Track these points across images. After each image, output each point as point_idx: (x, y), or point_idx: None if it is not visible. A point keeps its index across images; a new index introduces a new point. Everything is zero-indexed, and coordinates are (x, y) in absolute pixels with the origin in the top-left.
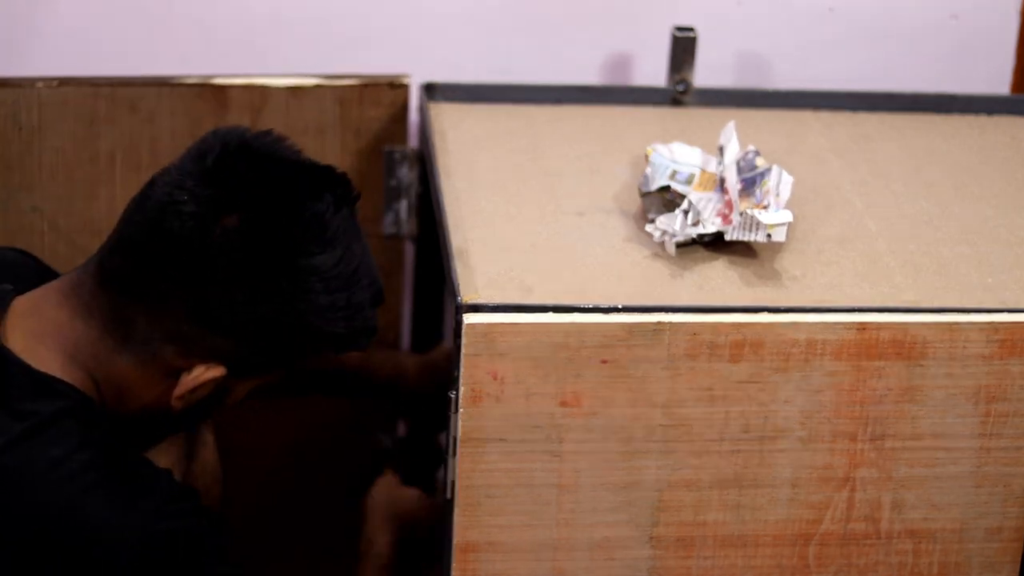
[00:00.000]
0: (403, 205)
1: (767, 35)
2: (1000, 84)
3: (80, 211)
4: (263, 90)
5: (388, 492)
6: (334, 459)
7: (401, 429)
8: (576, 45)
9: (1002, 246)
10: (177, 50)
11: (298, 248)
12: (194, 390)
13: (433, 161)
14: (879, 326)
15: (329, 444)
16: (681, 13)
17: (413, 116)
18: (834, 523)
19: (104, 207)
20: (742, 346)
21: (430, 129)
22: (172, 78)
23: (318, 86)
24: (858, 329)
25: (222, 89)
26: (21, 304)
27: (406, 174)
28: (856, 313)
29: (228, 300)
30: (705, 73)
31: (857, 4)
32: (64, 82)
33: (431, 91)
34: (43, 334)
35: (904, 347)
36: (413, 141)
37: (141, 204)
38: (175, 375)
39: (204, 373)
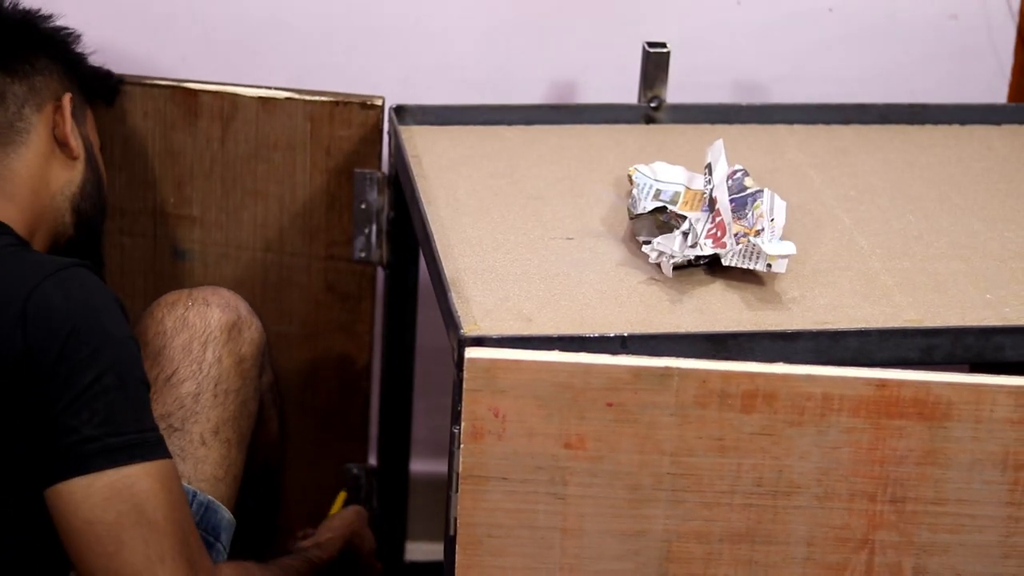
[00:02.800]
0: (373, 229)
1: (767, 35)
2: (999, 84)
3: None
4: (233, 98)
5: (361, 523)
6: (303, 481)
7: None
8: (547, 59)
9: (995, 261)
10: (154, 52)
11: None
12: (71, 127)
13: (412, 186)
14: (900, 384)
15: (300, 472)
16: (681, 13)
17: (385, 139)
18: None
19: None
20: (754, 397)
21: (404, 153)
22: (144, 79)
23: (289, 99)
24: (877, 386)
25: (194, 93)
26: None
27: (376, 198)
28: (876, 369)
29: (12, 50)
30: (705, 74)
31: (857, 4)
32: None
33: (401, 113)
34: None
35: (927, 407)
36: (384, 164)
37: None
38: (51, 138)
39: (63, 104)
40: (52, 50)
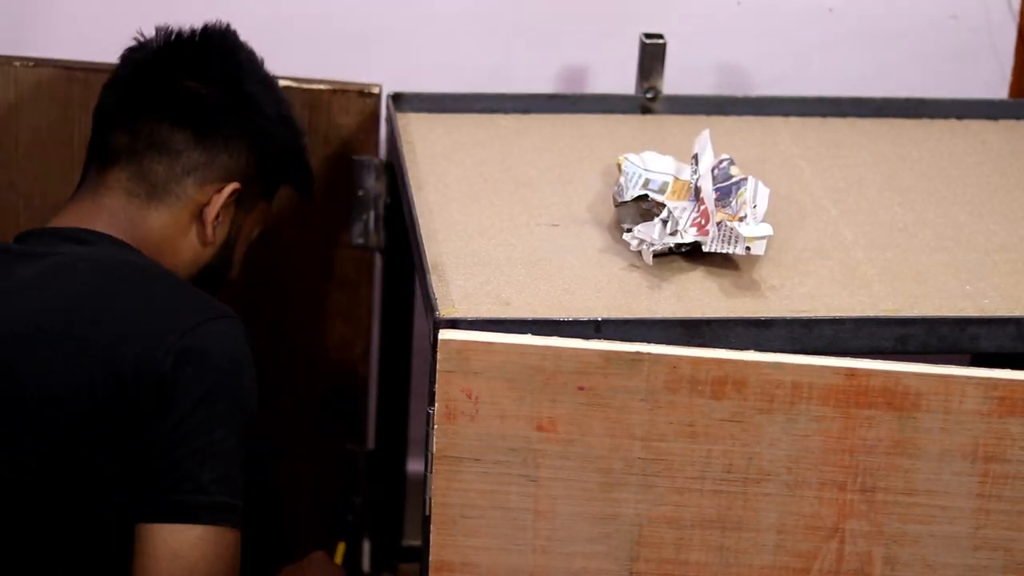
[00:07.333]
0: (371, 216)
1: (767, 36)
2: (1000, 84)
3: (54, 192)
4: None
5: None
6: (302, 464)
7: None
8: (548, 52)
9: (979, 253)
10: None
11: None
12: (220, 213)
13: (403, 172)
14: (868, 373)
15: (298, 450)
16: (681, 13)
17: (382, 126)
18: (823, 575)
19: None
20: (724, 383)
21: (399, 139)
22: None
23: (286, 87)
24: (846, 375)
25: None
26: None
27: (374, 184)
28: (845, 358)
29: (220, 122)
30: (704, 73)
31: (857, 4)
32: (39, 63)
33: (399, 101)
34: (84, 219)
35: (896, 397)
36: (382, 151)
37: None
38: (197, 215)
39: (223, 191)
40: (261, 145)
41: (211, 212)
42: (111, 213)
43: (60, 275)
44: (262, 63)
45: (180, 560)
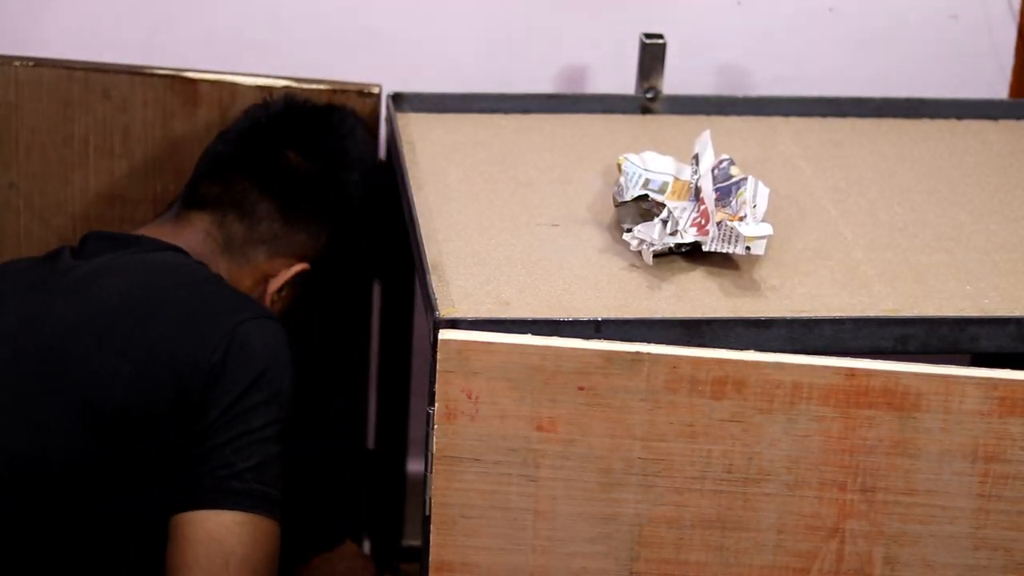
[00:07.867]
0: None
1: (767, 36)
2: (1000, 84)
3: (54, 191)
4: (232, 87)
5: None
6: (302, 464)
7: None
8: (548, 52)
9: (979, 253)
10: (150, 40)
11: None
12: (284, 288)
13: (403, 172)
14: (869, 373)
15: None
16: (681, 13)
17: (382, 126)
18: (823, 575)
19: (77, 190)
20: (724, 383)
21: (399, 139)
22: (144, 68)
23: (287, 88)
24: (846, 375)
25: (192, 83)
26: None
27: None
28: (846, 359)
29: (309, 202)
30: (704, 73)
31: (857, 4)
32: (39, 63)
33: (399, 101)
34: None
35: (896, 397)
36: (382, 151)
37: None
38: (261, 282)
39: (291, 269)
40: (345, 234)
41: (274, 285)
42: (186, 243)
43: (113, 273)
44: (374, 151)
45: (216, 543)
